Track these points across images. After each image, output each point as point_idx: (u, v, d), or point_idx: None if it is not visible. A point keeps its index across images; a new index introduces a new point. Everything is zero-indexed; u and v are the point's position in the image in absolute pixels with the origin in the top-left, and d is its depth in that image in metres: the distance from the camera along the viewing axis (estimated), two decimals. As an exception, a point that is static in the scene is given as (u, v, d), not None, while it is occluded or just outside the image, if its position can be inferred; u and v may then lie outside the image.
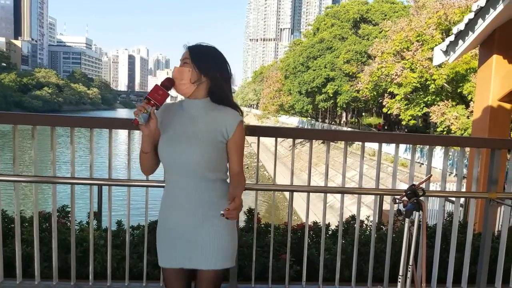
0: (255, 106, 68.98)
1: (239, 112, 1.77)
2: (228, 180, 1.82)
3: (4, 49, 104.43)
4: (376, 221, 3.48)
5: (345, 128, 31.55)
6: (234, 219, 1.70)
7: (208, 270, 1.73)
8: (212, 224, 1.72)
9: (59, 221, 3.05)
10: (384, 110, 20.64)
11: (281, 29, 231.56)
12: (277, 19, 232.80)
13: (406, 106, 18.19)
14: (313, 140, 2.63)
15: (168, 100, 1.78)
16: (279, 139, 2.56)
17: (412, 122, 19.14)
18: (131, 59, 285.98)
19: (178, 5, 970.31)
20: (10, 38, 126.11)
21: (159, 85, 1.69)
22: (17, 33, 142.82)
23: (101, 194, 3.22)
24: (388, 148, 16.55)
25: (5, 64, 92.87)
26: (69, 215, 2.88)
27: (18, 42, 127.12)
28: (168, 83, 1.70)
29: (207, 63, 1.71)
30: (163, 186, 2.41)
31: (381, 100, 21.49)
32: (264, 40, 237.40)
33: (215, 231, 1.72)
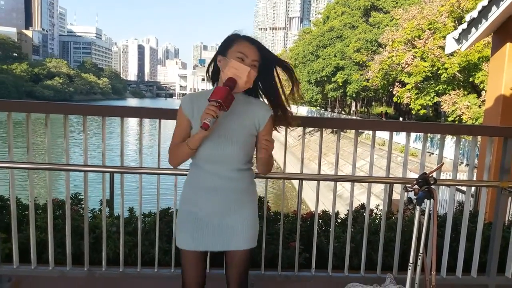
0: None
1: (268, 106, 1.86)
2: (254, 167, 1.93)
3: (16, 39, 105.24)
4: (386, 210, 3.50)
5: (354, 117, 31.34)
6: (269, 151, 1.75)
7: (245, 250, 1.84)
8: (247, 208, 1.85)
9: (72, 208, 3.11)
10: (395, 99, 20.43)
11: (290, 17, 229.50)
12: (286, 8, 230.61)
13: (417, 95, 17.98)
14: (323, 129, 2.63)
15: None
16: (288, 129, 2.55)
17: (423, 111, 18.93)
18: (140, 49, 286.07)
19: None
20: (21, 29, 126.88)
21: (228, 88, 1.67)
22: (28, 23, 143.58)
23: (113, 182, 3.26)
24: (398, 138, 16.44)
25: (16, 54, 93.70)
26: (82, 202, 2.93)
27: (29, 32, 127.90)
28: (232, 84, 1.69)
29: (270, 64, 1.83)
30: (174, 174, 2.47)
31: (391, 89, 21.27)
32: (273, 29, 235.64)
33: (249, 214, 1.85)
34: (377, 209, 3.48)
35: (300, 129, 2.56)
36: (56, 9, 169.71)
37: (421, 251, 1.74)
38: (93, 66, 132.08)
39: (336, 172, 2.58)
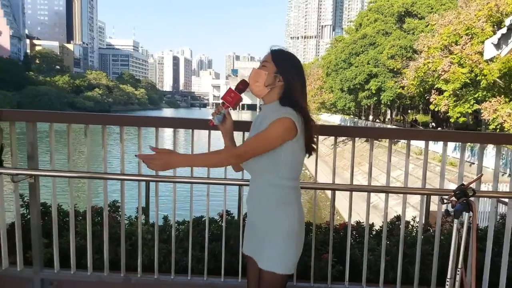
0: (296, 104, 68.15)
1: (296, 113, 1.70)
2: (295, 186, 1.79)
3: (58, 53, 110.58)
4: (423, 222, 3.38)
5: (389, 126, 30.65)
6: (152, 168, 1.63)
7: (262, 270, 1.77)
8: (267, 227, 1.76)
9: (109, 215, 3.22)
10: (431, 107, 19.83)
11: (322, 26, 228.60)
12: (318, 16, 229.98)
13: (455, 103, 17.36)
14: (356, 139, 2.59)
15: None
16: (320, 137, 2.54)
17: (462, 119, 18.24)
18: (175, 60, 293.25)
19: (219, 2, 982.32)
20: (63, 42, 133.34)
21: (234, 88, 1.81)
22: (70, 37, 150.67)
23: (148, 190, 3.35)
24: (435, 147, 15.91)
25: (59, 67, 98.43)
26: (120, 209, 3.02)
27: (70, 46, 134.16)
28: (242, 86, 1.82)
29: (285, 64, 1.77)
30: (206, 183, 2.51)
31: (428, 97, 20.66)
32: (305, 37, 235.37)
33: (269, 232, 1.76)
34: (414, 221, 3.37)
35: (332, 138, 2.54)
36: (95, 23, 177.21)
37: (459, 266, 1.68)
38: (130, 77, 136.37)
39: (370, 183, 2.53)
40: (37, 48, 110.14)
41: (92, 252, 2.66)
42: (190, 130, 2.55)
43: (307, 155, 1.82)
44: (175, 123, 2.56)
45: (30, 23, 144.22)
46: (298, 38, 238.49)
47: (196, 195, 2.66)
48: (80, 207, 3.16)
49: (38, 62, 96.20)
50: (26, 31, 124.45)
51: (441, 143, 2.50)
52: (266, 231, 1.77)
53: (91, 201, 2.68)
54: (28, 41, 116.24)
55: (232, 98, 1.80)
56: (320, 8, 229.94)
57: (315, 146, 1.83)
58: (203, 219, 2.97)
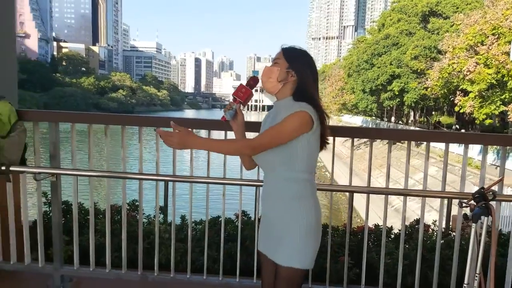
0: (317, 105, 67.84)
1: (311, 107, 1.70)
2: (312, 181, 1.80)
3: (84, 55, 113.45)
4: (444, 226, 3.30)
5: (412, 128, 30.08)
6: (169, 145, 1.67)
7: (281, 266, 1.76)
8: (285, 223, 1.76)
9: (129, 214, 3.28)
10: (456, 108, 19.37)
11: (344, 26, 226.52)
12: (340, 17, 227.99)
13: (480, 104, 16.90)
14: (378, 141, 2.55)
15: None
16: (341, 139, 2.52)
17: (488, 121, 17.73)
18: (197, 61, 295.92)
19: (240, 4, 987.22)
20: (89, 45, 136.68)
21: (245, 84, 1.85)
22: (95, 39, 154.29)
23: (167, 190, 3.39)
24: (460, 149, 15.52)
25: (84, 69, 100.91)
26: (139, 208, 3.08)
27: (96, 48, 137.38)
28: (253, 82, 1.86)
29: (297, 60, 1.79)
30: (223, 183, 2.52)
31: (452, 98, 20.19)
32: (326, 38, 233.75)
33: (286, 228, 1.75)
34: (435, 225, 3.30)
35: (354, 139, 2.52)
36: (120, 26, 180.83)
37: (477, 271, 1.63)
38: (153, 79, 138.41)
39: (387, 185, 2.49)
40: (64, 50, 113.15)
41: (112, 250, 2.71)
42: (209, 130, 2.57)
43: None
44: (192, 124, 2.58)
45: (57, 26, 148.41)
46: (319, 39, 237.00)
47: (214, 195, 2.68)
48: (102, 205, 3.23)
49: (64, 64, 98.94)
50: (54, 34, 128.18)
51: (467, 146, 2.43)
52: (283, 227, 1.76)
53: (110, 200, 2.73)
54: (55, 43, 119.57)
55: (243, 93, 1.83)
56: (342, 9, 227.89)
57: (328, 142, 1.84)
58: (219, 219, 2.99)
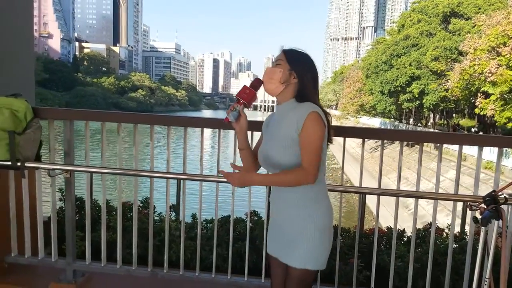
0: (334, 106, 67.84)
1: (315, 105, 1.73)
2: (324, 182, 1.83)
3: (105, 55, 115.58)
4: (459, 230, 3.23)
5: (431, 130, 29.52)
6: (231, 184, 1.80)
7: (294, 268, 1.77)
8: (298, 226, 1.77)
9: (142, 211, 3.32)
10: (477, 111, 18.95)
11: (363, 27, 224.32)
12: (359, 18, 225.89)
13: (502, 107, 16.48)
14: (396, 142, 2.51)
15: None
16: (358, 141, 2.50)
17: (510, 125, 17.28)
18: (215, 62, 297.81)
19: (258, 3, 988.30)
20: (109, 45, 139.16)
21: (248, 85, 1.84)
22: (116, 40, 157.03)
23: (179, 188, 3.42)
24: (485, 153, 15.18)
25: (105, 69, 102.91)
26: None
27: (116, 49, 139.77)
28: (257, 83, 1.85)
29: (298, 62, 1.80)
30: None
31: (473, 100, 19.75)
32: (345, 39, 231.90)
33: (299, 231, 1.76)
34: (449, 228, 3.23)
35: (371, 142, 2.53)
36: (140, 27, 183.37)
37: (487, 276, 1.59)
38: (172, 79, 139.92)
39: (398, 187, 2.46)
40: (85, 50, 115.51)
41: (124, 246, 2.75)
42: (221, 130, 2.59)
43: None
44: (203, 123, 2.61)
45: (79, 26, 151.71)
46: (338, 39, 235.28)
47: (226, 194, 2.69)
48: (116, 202, 3.28)
49: (86, 64, 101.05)
50: (76, 35, 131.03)
51: (487, 149, 2.38)
52: (297, 230, 1.76)
53: (122, 197, 2.77)
54: (77, 44, 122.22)
55: (247, 95, 1.82)
56: (362, 9, 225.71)
57: (332, 141, 1.85)
58: (230, 218, 3.00)
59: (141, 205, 3.41)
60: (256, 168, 1.98)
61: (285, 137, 1.74)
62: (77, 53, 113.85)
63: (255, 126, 2.18)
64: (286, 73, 1.78)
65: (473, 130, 28.00)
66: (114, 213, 3.28)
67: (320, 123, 1.69)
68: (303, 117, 1.68)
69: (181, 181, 3.26)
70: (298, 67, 1.79)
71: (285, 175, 1.72)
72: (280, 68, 1.79)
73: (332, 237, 1.83)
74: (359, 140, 2.51)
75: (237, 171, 1.81)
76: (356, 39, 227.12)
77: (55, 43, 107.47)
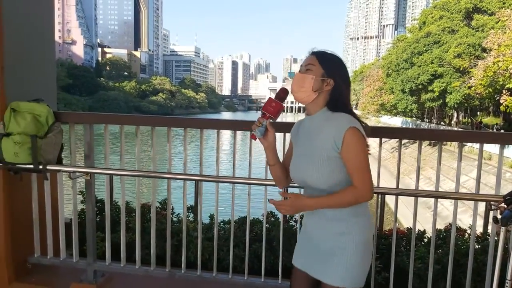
0: (354, 106, 67.19)
1: (352, 117, 1.63)
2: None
3: (126, 60, 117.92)
4: (481, 231, 3.14)
5: (455, 129, 28.88)
6: (283, 213, 1.69)
7: (331, 286, 1.67)
8: (336, 241, 1.67)
9: (160, 212, 3.37)
10: (502, 108, 18.41)
11: (383, 25, 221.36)
12: (379, 16, 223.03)
13: (529, 104, 15.98)
14: (418, 142, 2.46)
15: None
16: (379, 141, 2.46)
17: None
18: (234, 64, 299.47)
19: (278, 3, 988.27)
20: (131, 50, 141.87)
21: (274, 97, 1.72)
22: (137, 45, 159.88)
23: (197, 189, 3.45)
24: (506, 151, 14.75)
25: (127, 73, 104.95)
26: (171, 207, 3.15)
27: (137, 53, 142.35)
28: (283, 94, 1.71)
29: (333, 67, 1.67)
30: (247, 183, 2.53)
31: (498, 98, 19.20)
32: (365, 38, 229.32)
33: (339, 248, 1.67)
34: (471, 229, 3.15)
35: (393, 141, 2.49)
36: (160, 32, 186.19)
37: (508, 277, 1.54)
38: (192, 82, 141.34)
39: (417, 187, 2.41)
40: (108, 55, 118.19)
41: (142, 247, 2.80)
42: (242, 132, 2.60)
43: None
44: (217, 125, 2.63)
45: (101, 32, 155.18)
46: (357, 38, 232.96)
47: (243, 195, 2.70)
48: (135, 204, 3.34)
49: (108, 69, 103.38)
50: (98, 40, 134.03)
51: None
52: (334, 245, 1.67)
53: (141, 199, 2.82)
54: (99, 49, 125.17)
55: (274, 108, 1.68)
56: (382, 7, 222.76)
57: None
58: (246, 219, 3.01)
59: (159, 206, 3.45)
60: (288, 182, 1.89)
61: (320, 155, 1.64)
62: (99, 58, 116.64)
63: (288, 128, 2.07)
64: (319, 80, 1.64)
65: (495, 128, 27.23)
66: (133, 214, 3.33)
67: (360, 137, 1.59)
68: (341, 133, 1.58)
69: (198, 182, 3.30)
70: (333, 73, 1.65)
71: (341, 197, 1.61)
72: (312, 74, 1.65)
73: (372, 252, 1.74)
74: (379, 140, 2.47)
75: (287, 198, 1.66)
76: (376, 37, 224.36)
77: (78, 49, 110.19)
